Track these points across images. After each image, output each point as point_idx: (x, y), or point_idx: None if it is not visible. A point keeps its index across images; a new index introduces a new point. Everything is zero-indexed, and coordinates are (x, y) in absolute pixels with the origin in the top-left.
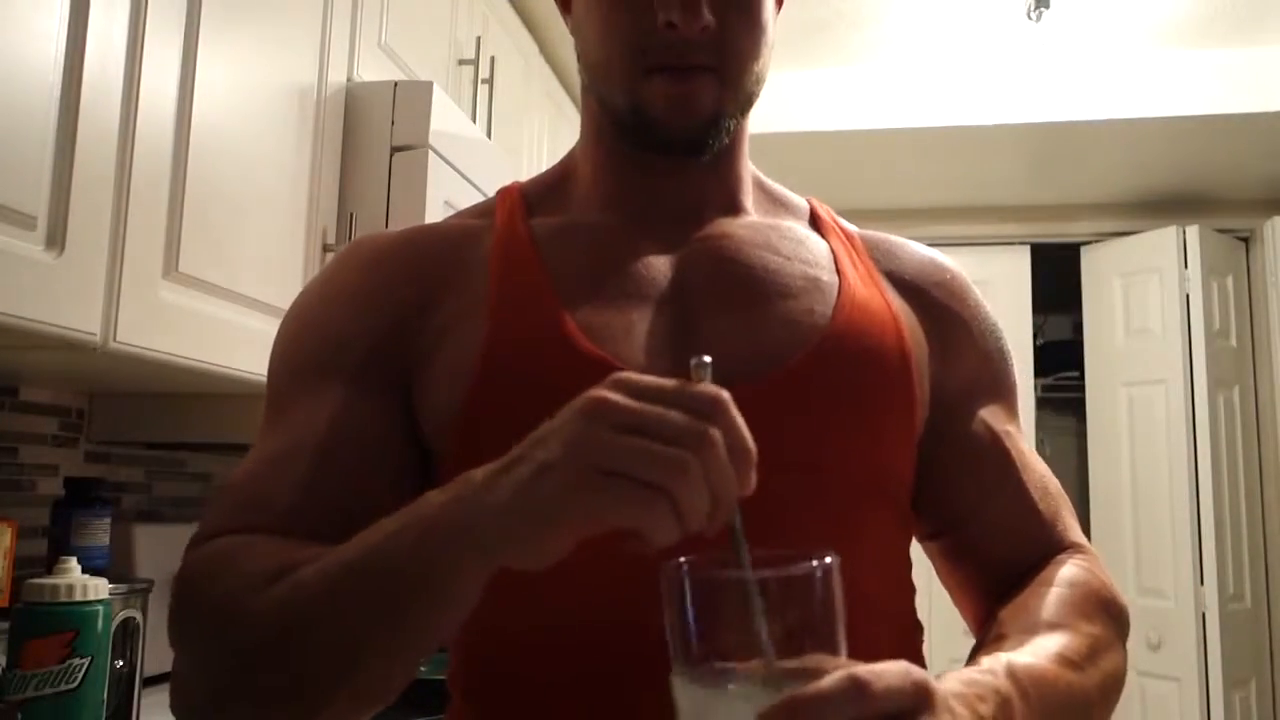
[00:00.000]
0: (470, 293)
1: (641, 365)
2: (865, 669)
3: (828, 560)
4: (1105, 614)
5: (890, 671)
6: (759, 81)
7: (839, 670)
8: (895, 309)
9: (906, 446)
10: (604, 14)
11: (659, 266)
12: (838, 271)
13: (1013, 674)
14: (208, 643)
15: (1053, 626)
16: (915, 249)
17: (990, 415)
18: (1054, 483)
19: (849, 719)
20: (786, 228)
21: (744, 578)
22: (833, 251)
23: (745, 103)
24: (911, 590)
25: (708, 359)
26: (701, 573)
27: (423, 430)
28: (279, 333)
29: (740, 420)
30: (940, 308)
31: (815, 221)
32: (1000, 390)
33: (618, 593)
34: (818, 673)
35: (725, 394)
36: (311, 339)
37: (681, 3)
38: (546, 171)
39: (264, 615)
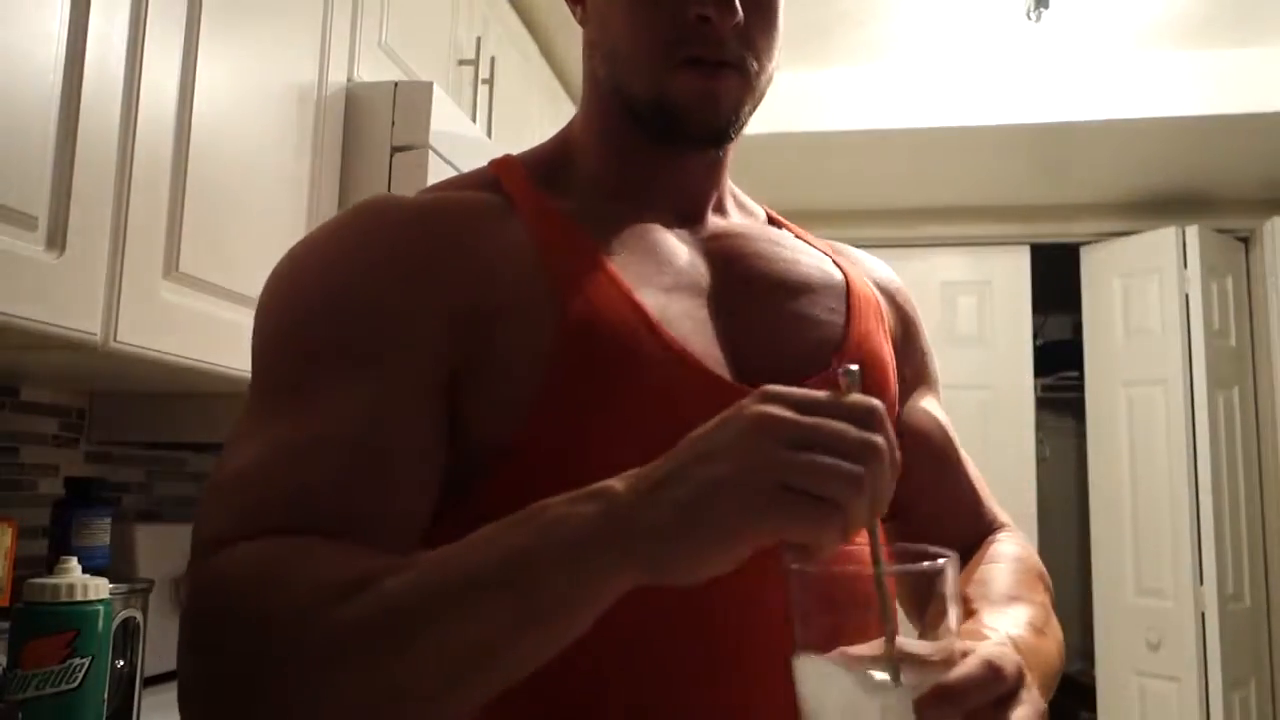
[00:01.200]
0: (519, 275)
1: (708, 355)
2: (992, 653)
3: (947, 557)
4: (1044, 585)
5: (1007, 655)
6: (769, 81)
7: (975, 656)
8: (883, 308)
9: None
10: (632, 5)
11: (690, 259)
12: (839, 268)
13: (1016, 646)
14: (270, 652)
15: (1013, 599)
16: (868, 256)
17: (932, 406)
18: (975, 468)
19: (988, 699)
20: (769, 230)
21: (873, 574)
22: (821, 253)
23: (758, 101)
24: None
25: (855, 367)
26: (831, 568)
27: (473, 426)
28: (282, 295)
29: (889, 424)
30: (897, 307)
31: (775, 224)
32: (935, 385)
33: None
34: (940, 658)
35: (880, 405)
36: (349, 315)
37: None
38: (541, 149)
39: (352, 626)
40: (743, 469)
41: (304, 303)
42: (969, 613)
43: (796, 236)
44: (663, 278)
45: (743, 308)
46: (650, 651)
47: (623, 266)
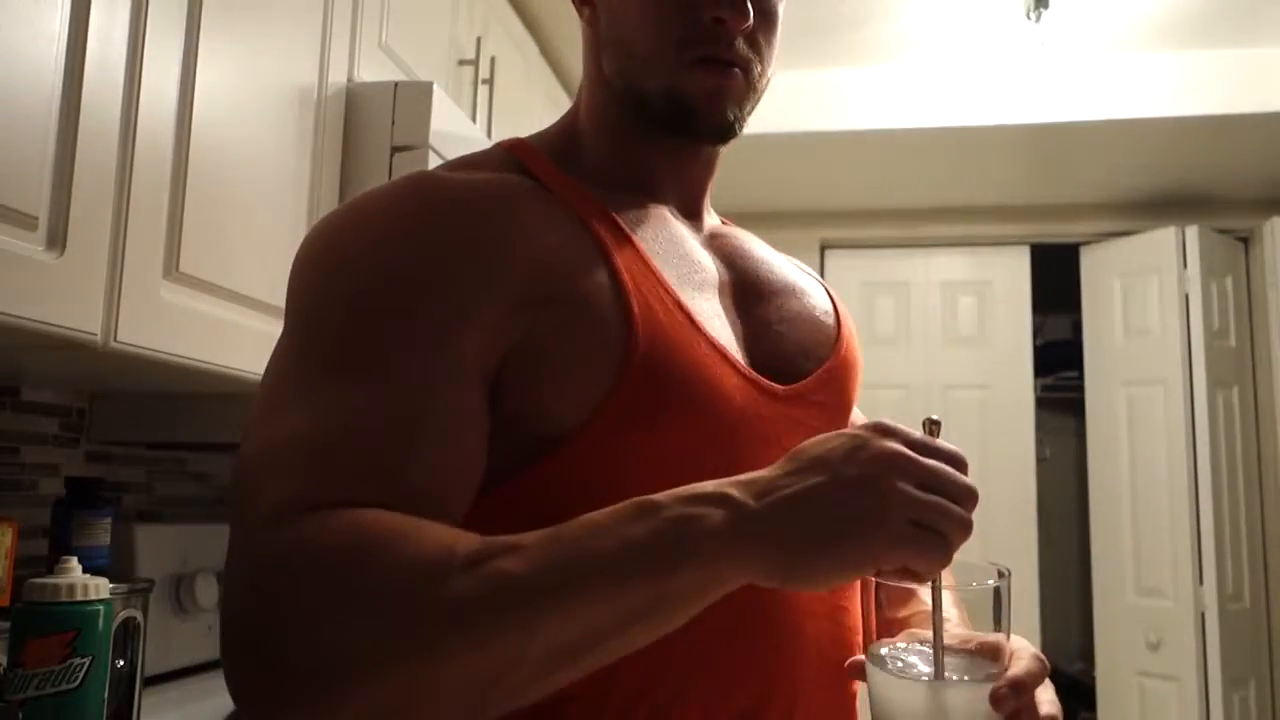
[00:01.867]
0: (580, 265)
1: (735, 358)
2: (1032, 648)
3: (1003, 577)
4: None
5: (1035, 649)
6: (767, 85)
7: (1026, 652)
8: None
9: None
10: (648, 5)
11: (703, 255)
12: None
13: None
14: (379, 625)
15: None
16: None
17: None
18: None
19: (1038, 687)
20: (746, 232)
21: (936, 585)
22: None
23: (757, 102)
24: None
25: (938, 418)
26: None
27: (525, 410)
28: (334, 260)
29: (965, 465)
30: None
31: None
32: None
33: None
34: (987, 654)
35: (962, 454)
36: (414, 286)
37: (731, 2)
38: (549, 134)
39: (467, 603)
40: (884, 504)
41: (362, 271)
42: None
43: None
44: (693, 276)
45: (752, 304)
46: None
47: (662, 264)
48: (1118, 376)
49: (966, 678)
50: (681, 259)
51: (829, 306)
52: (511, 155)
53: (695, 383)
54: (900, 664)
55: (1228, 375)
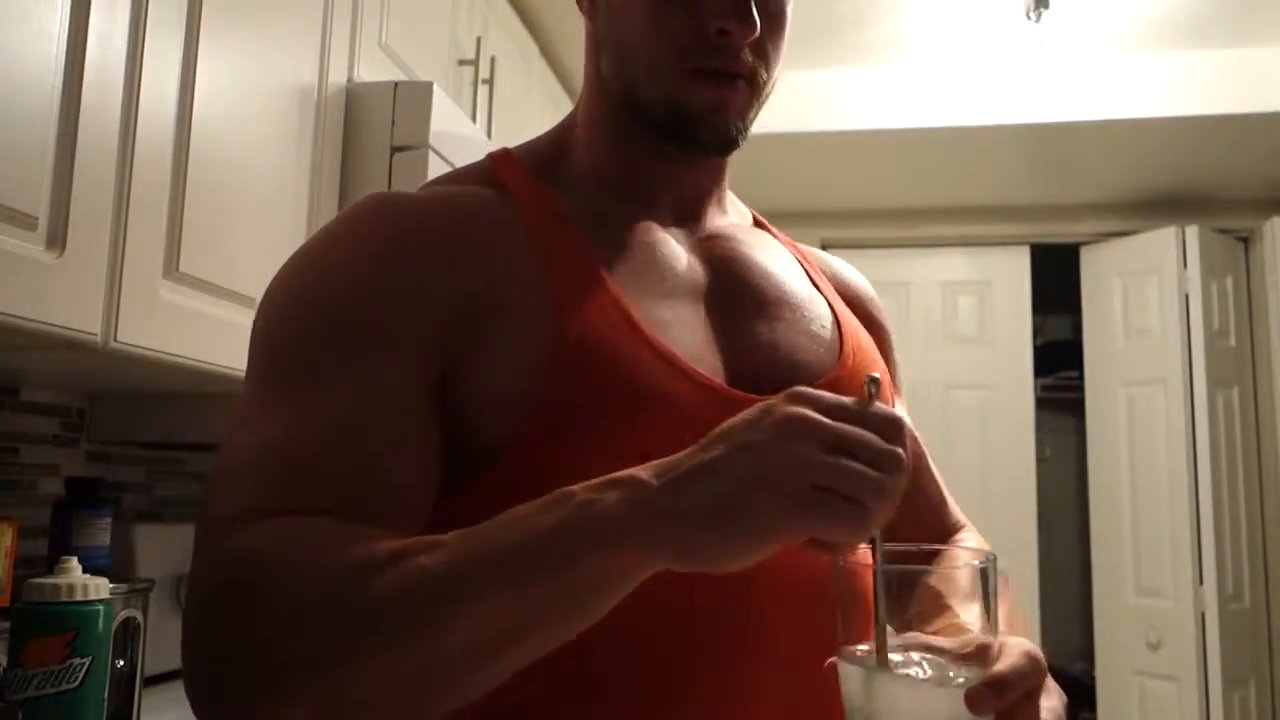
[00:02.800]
0: (518, 275)
1: (703, 360)
2: (1028, 646)
3: (988, 560)
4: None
5: (1034, 647)
6: (773, 88)
7: (1016, 649)
8: (865, 316)
9: None
10: (651, 12)
11: (687, 262)
12: (813, 283)
13: None
14: (307, 623)
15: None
16: (842, 263)
17: (903, 413)
18: (937, 469)
19: (1028, 689)
20: (760, 235)
21: (902, 570)
22: (799, 262)
23: (762, 105)
24: None
25: (876, 375)
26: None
27: (466, 420)
28: (291, 283)
29: (911, 431)
30: (870, 317)
31: (762, 228)
32: (902, 391)
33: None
34: (969, 650)
35: (901, 416)
36: (358, 300)
37: (737, 13)
38: (539, 141)
39: (388, 599)
40: (780, 468)
41: (313, 291)
42: (941, 608)
43: (781, 242)
44: (659, 282)
45: (740, 313)
46: (656, 633)
47: (617, 271)
48: (1118, 376)
49: (956, 678)
50: (650, 267)
51: (829, 316)
52: (493, 166)
53: (629, 392)
54: (871, 665)
55: (1228, 375)
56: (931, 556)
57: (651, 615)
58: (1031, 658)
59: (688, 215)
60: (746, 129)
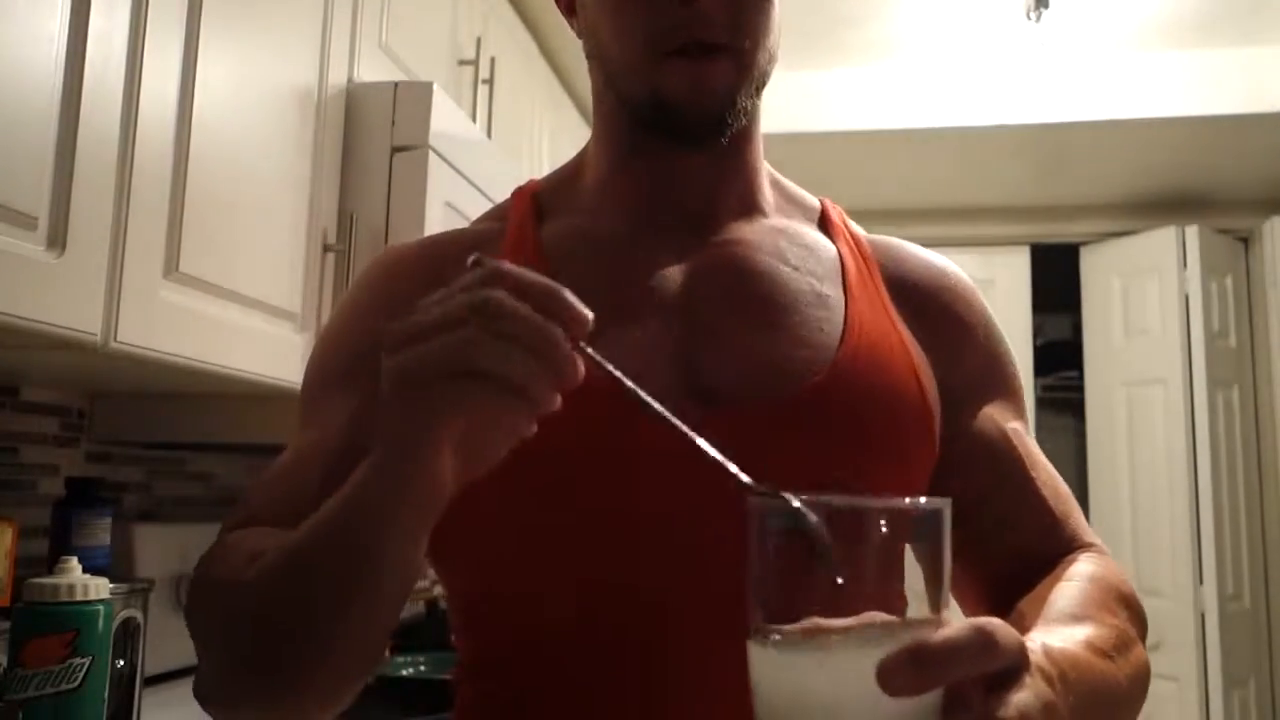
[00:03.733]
0: None
1: (642, 376)
2: (986, 621)
3: (934, 504)
4: (1127, 609)
5: (1002, 626)
6: (771, 60)
7: (963, 622)
8: (901, 330)
9: (920, 479)
10: (614, 4)
11: (670, 276)
12: (844, 284)
13: (1049, 654)
14: (206, 624)
15: (1076, 618)
16: (920, 253)
17: (996, 412)
18: (1064, 485)
19: (973, 671)
20: (796, 232)
21: (815, 527)
22: (840, 259)
23: (760, 81)
24: None
25: (475, 256)
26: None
27: None
28: (314, 347)
29: (529, 273)
30: (944, 311)
31: (825, 223)
32: (1006, 390)
33: (611, 557)
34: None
35: (500, 264)
36: (331, 351)
37: None
38: (561, 169)
39: (240, 594)
40: (387, 388)
41: (318, 345)
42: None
43: (839, 239)
44: (618, 304)
45: (716, 324)
46: (581, 659)
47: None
48: (1118, 376)
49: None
50: (614, 287)
51: (835, 329)
52: (511, 199)
53: (547, 421)
54: (784, 644)
55: (1228, 375)
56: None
57: (575, 644)
58: (981, 633)
59: (697, 220)
60: (739, 108)
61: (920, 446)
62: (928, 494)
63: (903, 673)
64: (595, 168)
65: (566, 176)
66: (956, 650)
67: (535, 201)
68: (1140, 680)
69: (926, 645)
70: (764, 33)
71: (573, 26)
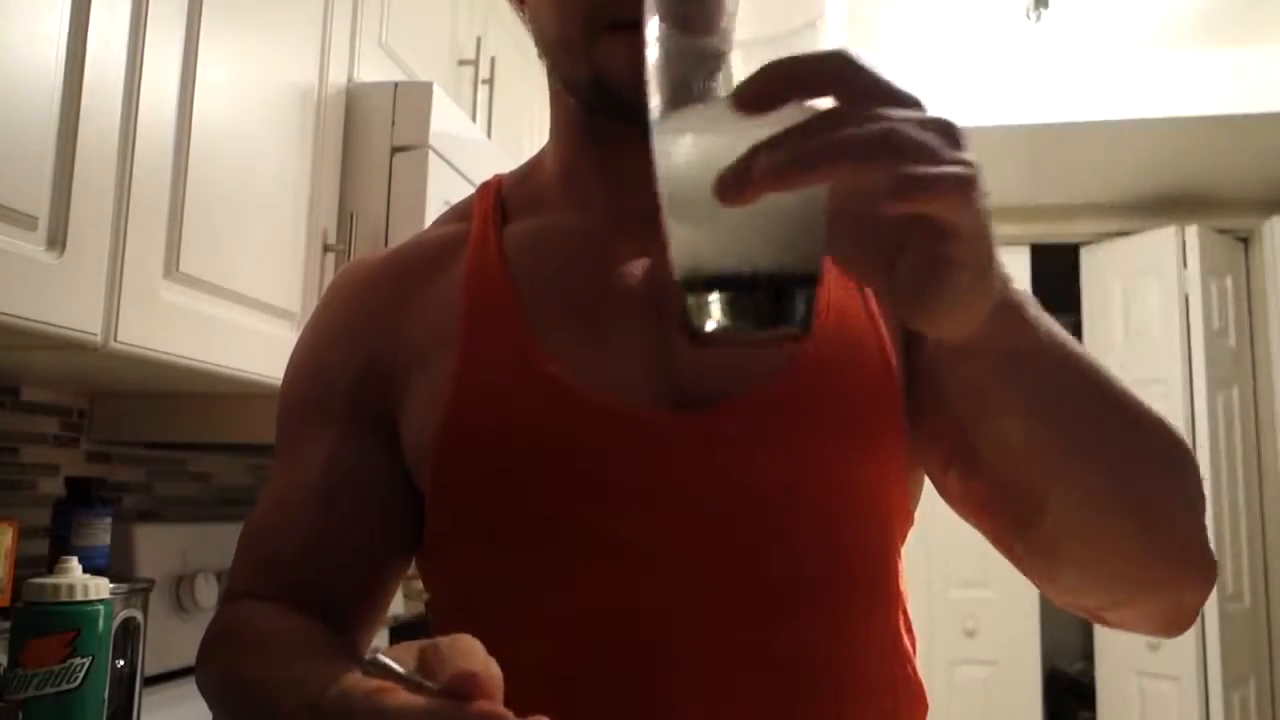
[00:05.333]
0: (443, 315)
1: (613, 388)
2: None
3: None
4: (1144, 408)
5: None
6: (725, 40)
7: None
8: (873, 309)
9: (894, 461)
10: None
11: (633, 274)
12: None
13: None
14: (209, 701)
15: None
16: None
17: None
18: None
19: (845, 90)
20: None
21: None
22: None
23: (718, 56)
24: (901, 606)
25: (371, 658)
26: None
27: (406, 463)
28: (284, 373)
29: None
30: None
31: None
32: None
33: (607, 586)
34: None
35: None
36: (303, 380)
37: None
38: (525, 163)
39: (225, 692)
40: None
41: (287, 371)
42: None
43: None
44: (583, 306)
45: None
46: (571, 695)
47: (536, 301)
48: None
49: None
50: (588, 288)
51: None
52: (474, 197)
53: (517, 440)
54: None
55: (1227, 375)
56: None
57: (566, 678)
58: (846, 58)
59: (658, 213)
60: (694, 82)
61: (888, 429)
62: (920, 426)
63: (751, 84)
64: (554, 161)
65: (530, 171)
66: (815, 59)
67: (499, 199)
68: (1155, 428)
69: (778, 62)
70: (715, 8)
71: (522, 18)
